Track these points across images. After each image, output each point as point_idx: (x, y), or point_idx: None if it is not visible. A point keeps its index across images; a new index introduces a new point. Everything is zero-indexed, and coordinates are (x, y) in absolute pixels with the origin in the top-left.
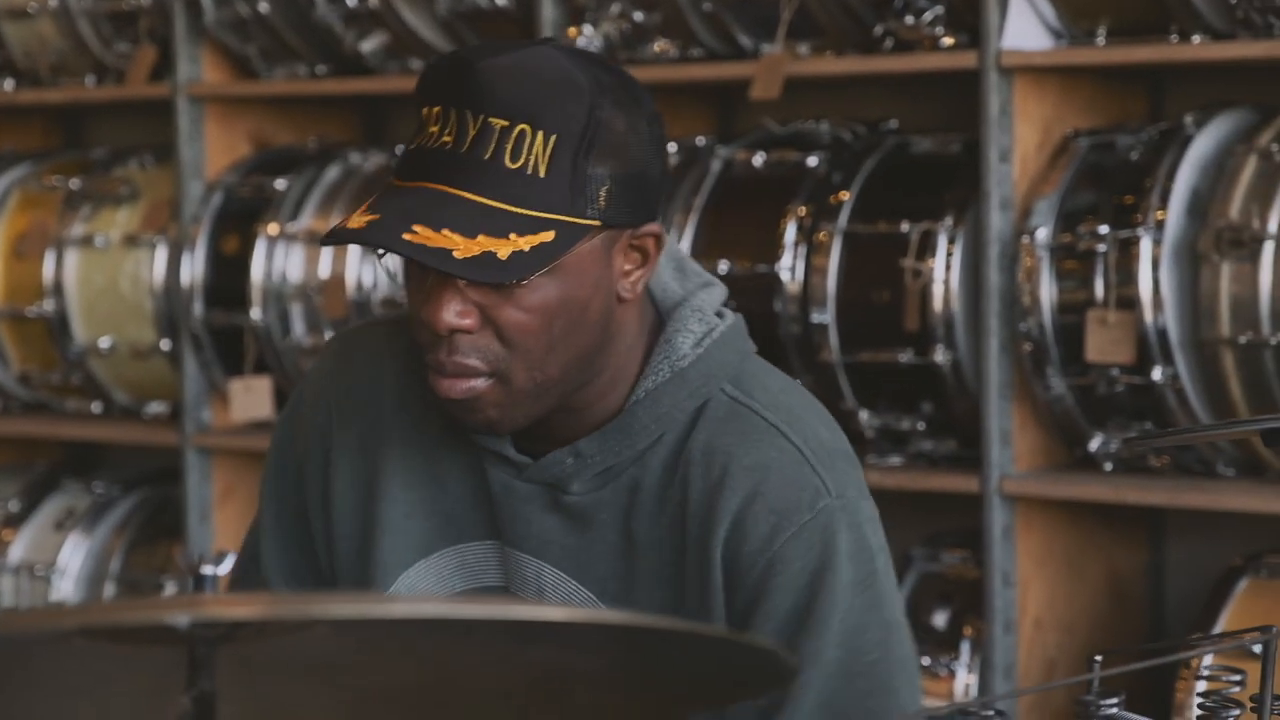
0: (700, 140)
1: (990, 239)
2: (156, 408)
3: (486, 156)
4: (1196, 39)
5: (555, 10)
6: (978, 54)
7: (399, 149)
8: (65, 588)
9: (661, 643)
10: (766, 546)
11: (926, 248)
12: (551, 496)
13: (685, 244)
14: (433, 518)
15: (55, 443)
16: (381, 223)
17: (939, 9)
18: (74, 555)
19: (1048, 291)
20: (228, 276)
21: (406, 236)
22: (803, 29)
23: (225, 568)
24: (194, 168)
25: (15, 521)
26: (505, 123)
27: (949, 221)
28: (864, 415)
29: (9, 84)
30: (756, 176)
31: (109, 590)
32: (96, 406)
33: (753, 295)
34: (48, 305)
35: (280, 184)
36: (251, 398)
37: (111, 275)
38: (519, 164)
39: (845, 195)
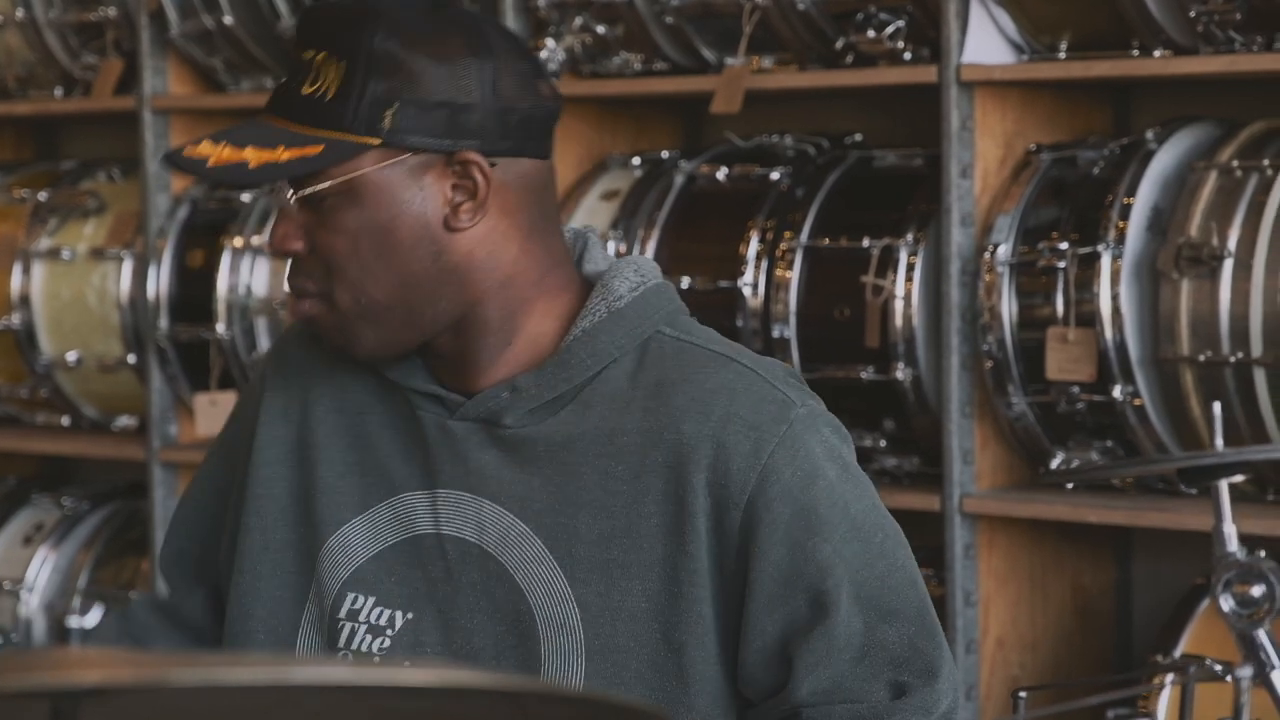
0: (664, 154)
1: (951, 255)
2: (125, 421)
3: (294, 85)
4: (1158, 53)
5: (518, 23)
6: (938, 68)
7: None
8: (33, 603)
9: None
10: (754, 463)
11: (888, 263)
12: (488, 432)
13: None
14: (366, 475)
15: (26, 456)
16: (185, 152)
17: (900, 23)
18: (42, 570)
19: (1008, 308)
20: (193, 290)
21: (190, 151)
22: (766, 43)
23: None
24: (160, 181)
25: None
26: (311, 53)
27: (910, 237)
28: None
29: None
30: (720, 191)
31: (76, 606)
32: (65, 420)
33: (715, 311)
34: (15, 318)
35: (246, 197)
36: (217, 412)
37: (78, 288)
38: (313, 89)
39: (807, 210)
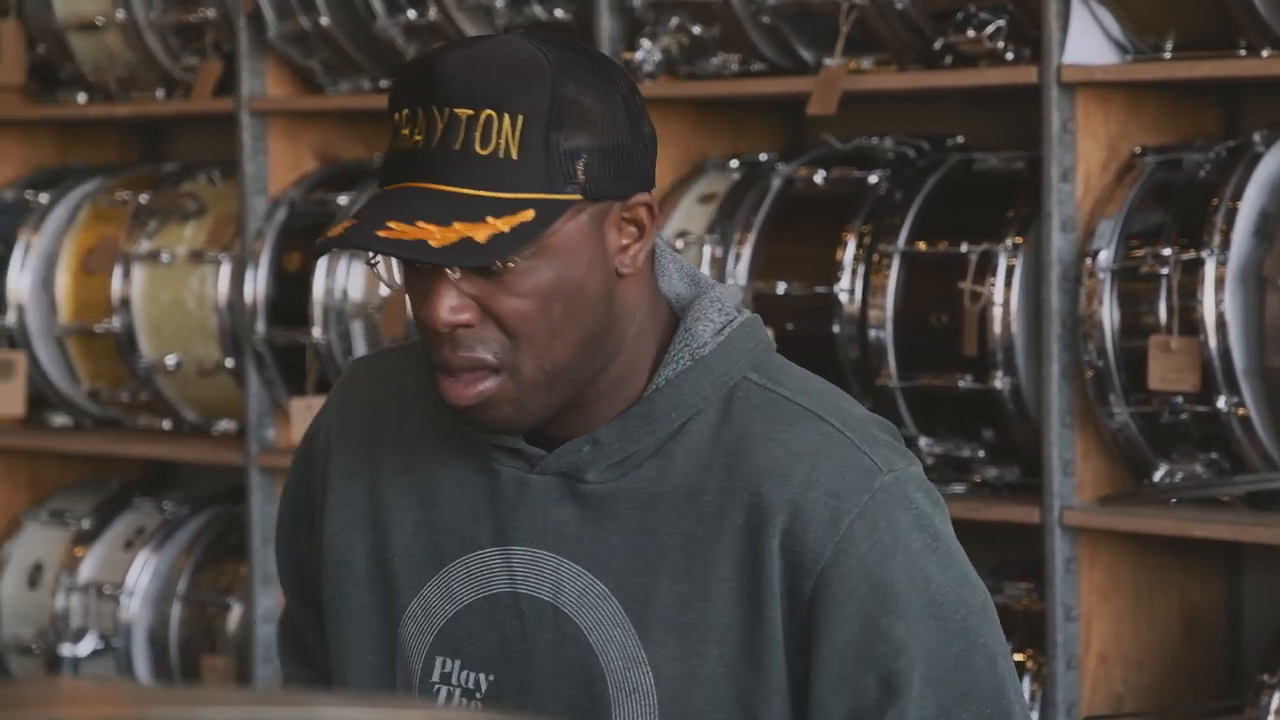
0: (763, 156)
1: (1051, 261)
2: (224, 426)
3: (456, 147)
4: (1266, 53)
5: (613, 23)
6: (1038, 69)
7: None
8: (133, 607)
9: None
10: (831, 532)
11: (986, 269)
12: (567, 487)
13: (743, 264)
14: (438, 533)
15: (129, 460)
16: (358, 226)
17: (1001, 22)
18: (142, 574)
19: (1110, 316)
20: (290, 294)
21: (381, 233)
22: (864, 43)
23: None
24: (258, 183)
25: (87, 539)
26: (470, 111)
27: (1009, 242)
28: (924, 441)
29: (81, 97)
30: (817, 194)
31: (176, 610)
32: (166, 424)
33: (810, 317)
34: (115, 322)
35: (343, 200)
36: (313, 417)
37: (177, 291)
38: (490, 149)
39: (905, 214)
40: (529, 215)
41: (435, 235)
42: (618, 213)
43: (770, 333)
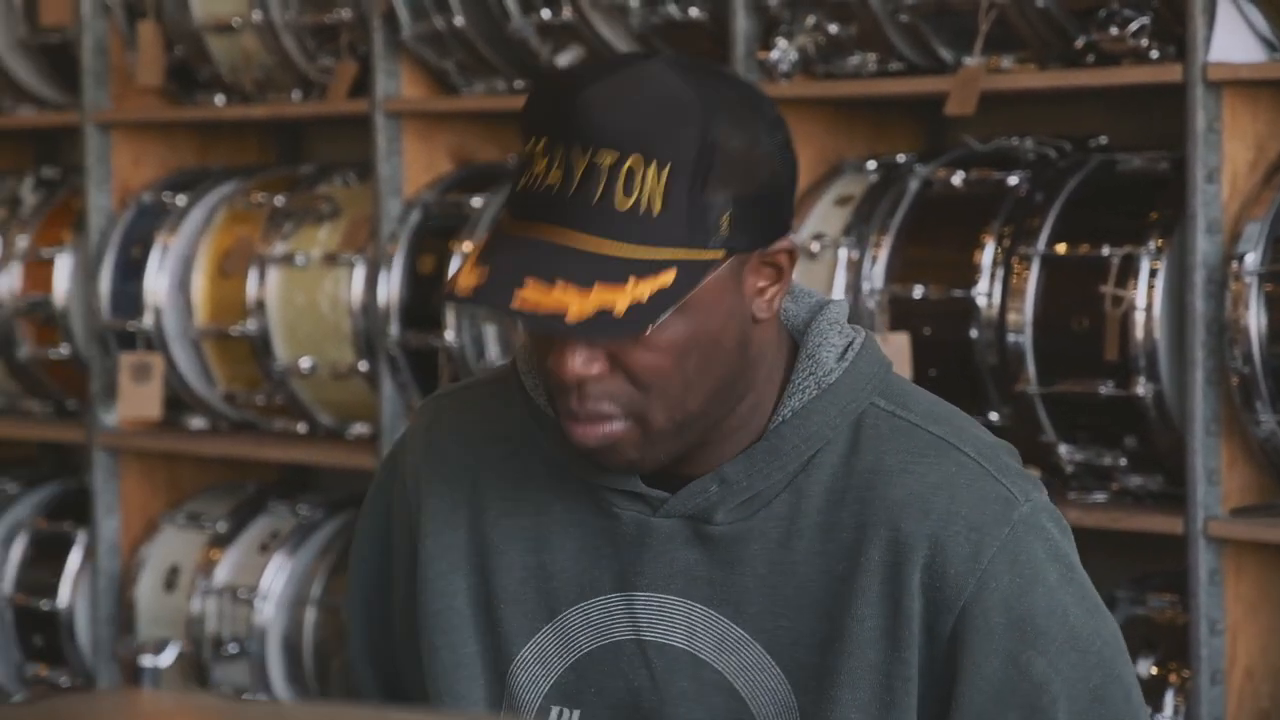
0: (901, 157)
1: (1196, 264)
2: (359, 429)
3: (596, 197)
4: None
5: (749, 22)
6: (1183, 67)
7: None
8: (267, 611)
9: None
10: (973, 567)
11: (1129, 272)
12: (694, 530)
13: (879, 267)
14: (551, 580)
15: (265, 463)
16: (493, 281)
17: (1144, 19)
18: (276, 578)
19: (1256, 321)
20: (424, 296)
21: (517, 302)
22: (1004, 41)
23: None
24: (392, 185)
25: (222, 542)
26: (614, 156)
27: (1153, 245)
28: (1064, 449)
29: (219, 99)
30: (956, 195)
31: (310, 615)
32: (302, 427)
33: (948, 321)
34: (250, 324)
35: (476, 201)
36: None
37: (312, 294)
38: (631, 201)
39: (1046, 216)
40: (670, 277)
41: (574, 303)
42: (758, 259)
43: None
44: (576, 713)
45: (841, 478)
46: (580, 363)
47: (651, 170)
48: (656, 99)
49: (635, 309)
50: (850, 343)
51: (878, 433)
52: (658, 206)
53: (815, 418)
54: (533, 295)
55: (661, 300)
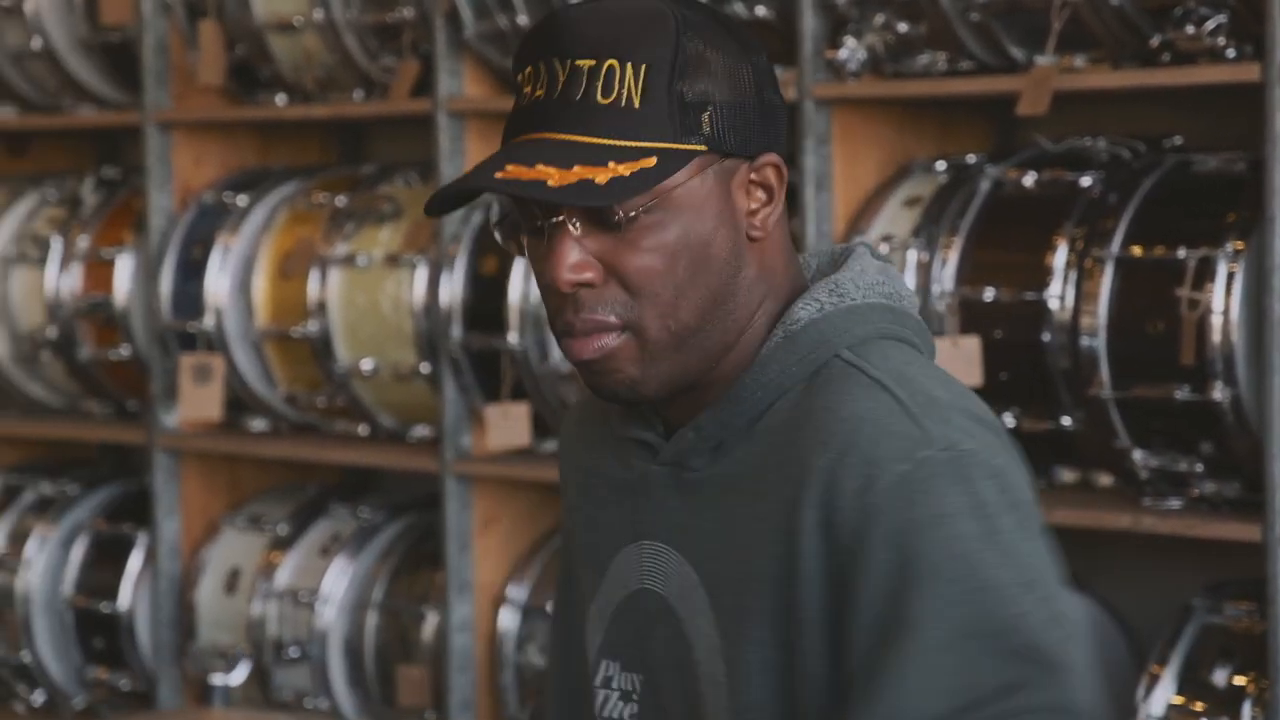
0: (971, 158)
1: (1274, 266)
2: (421, 432)
3: (578, 97)
4: None
5: (816, 21)
6: (1261, 66)
7: None
8: (328, 615)
9: None
10: (860, 500)
11: (1205, 275)
12: (676, 477)
13: (949, 270)
14: (598, 533)
15: (327, 465)
16: (475, 171)
17: (1222, 18)
18: (338, 582)
19: None
20: (487, 298)
21: (499, 175)
22: (1077, 40)
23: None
24: None
25: (284, 545)
26: (592, 61)
27: (1230, 247)
28: (1138, 455)
29: (280, 99)
30: (1027, 197)
31: (371, 619)
32: (363, 429)
33: (1019, 324)
34: (312, 326)
35: None
36: (509, 425)
37: (373, 295)
38: (611, 98)
39: (1120, 218)
40: (650, 162)
41: (554, 176)
42: (745, 173)
43: (921, 326)
44: (617, 664)
45: (790, 424)
46: (571, 267)
47: (629, 70)
48: (630, 11)
49: (617, 181)
50: (840, 301)
51: (828, 379)
52: (637, 102)
53: (773, 365)
54: (514, 172)
55: (643, 178)
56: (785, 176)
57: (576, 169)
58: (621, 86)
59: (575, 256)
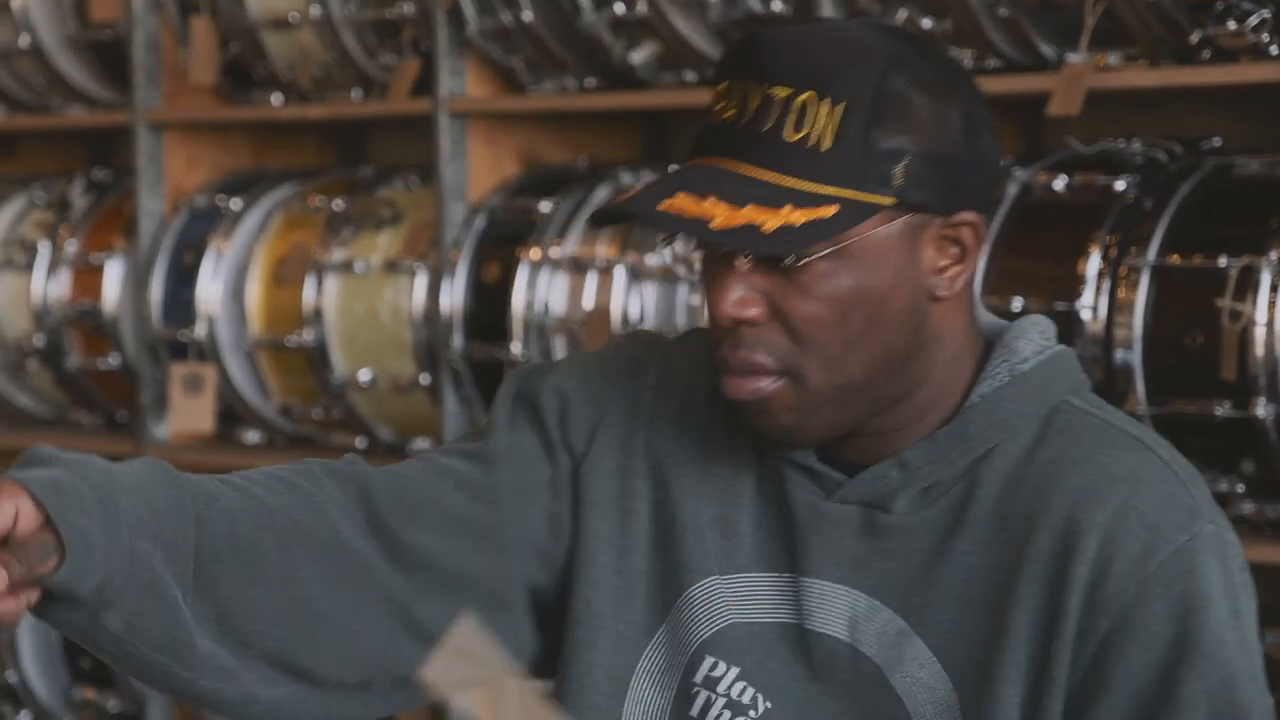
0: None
1: None
2: (421, 445)
3: (766, 128)
4: None
5: (837, 15)
6: None
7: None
8: None
9: None
10: (1140, 567)
11: (1247, 285)
12: (867, 518)
13: (976, 278)
14: (730, 538)
15: None
16: (644, 194)
17: (1265, 13)
18: None
19: None
20: (489, 306)
21: (663, 206)
22: (1111, 36)
23: None
24: (456, 188)
25: None
26: (788, 91)
27: (1274, 256)
28: None
29: (276, 98)
30: (1058, 201)
31: None
32: (360, 442)
33: None
34: (307, 335)
35: (545, 206)
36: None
37: (371, 303)
38: (800, 135)
39: (1156, 224)
40: (829, 211)
41: (721, 215)
42: (938, 228)
43: None
44: (735, 670)
45: (1021, 467)
46: (734, 302)
47: (825, 106)
48: (839, 42)
49: (784, 230)
50: (1050, 343)
51: (1068, 426)
52: (828, 142)
53: (1007, 404)
54: (681, 203)
55: (815, 230)
56: (983, 237)
57: (748, 209)
58: (815, 124)
59: (739, 293)
